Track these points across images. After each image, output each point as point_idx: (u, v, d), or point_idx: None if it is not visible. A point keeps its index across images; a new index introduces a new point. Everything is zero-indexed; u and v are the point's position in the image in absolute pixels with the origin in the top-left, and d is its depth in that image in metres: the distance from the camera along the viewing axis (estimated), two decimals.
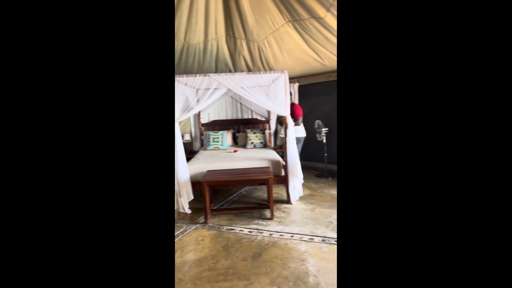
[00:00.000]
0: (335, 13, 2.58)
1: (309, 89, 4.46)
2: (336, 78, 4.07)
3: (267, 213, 2.75)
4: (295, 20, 2.95)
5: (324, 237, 2.23)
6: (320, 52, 3.36)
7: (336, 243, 2.12)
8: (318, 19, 2.76)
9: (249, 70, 4.07)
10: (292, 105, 3.64)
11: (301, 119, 3.62)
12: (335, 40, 3.02)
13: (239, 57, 3.83)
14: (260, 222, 2.58)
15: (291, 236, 2.26)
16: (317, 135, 3.98)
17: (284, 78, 2.87)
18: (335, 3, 2.45)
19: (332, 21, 2.72)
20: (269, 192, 2.62)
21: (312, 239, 2.20)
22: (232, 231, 2.42)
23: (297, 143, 3.62)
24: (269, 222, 2.57)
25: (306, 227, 2.41)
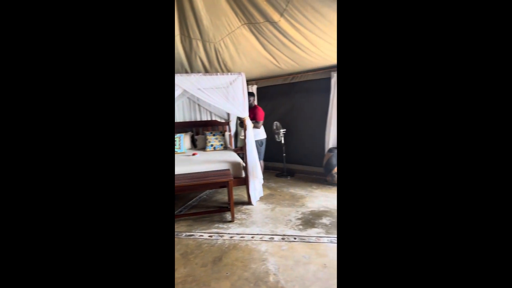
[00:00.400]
0: (288, 18, 2.68)
1: (267, 91, 4.56)
2: (292, 81, 4.23)
3: (228, 215, 2.72)
4: (250, 23, 2.99)
5: (284, 235, 2.28)
6: (276, 55, 3.45)
7: (294, 240, 2.20)
8: (273, 23, 2.84)
9: (206, 71, 4.00)
10: (255, 108, 3.66)
11: (261, 122, 3.65)
12: (290, 44, 3.13)
13: (195, 58, 3.74)
14: (221, 225, 2.54)
15: (252, 237, 2.27)
16: (276, 136, 4.08)
17: (241, 80, 2.89)
18: (288, 9, 2.55)
19: (286, 26, 2.82)
20: (230, 195, 2.60)
21: (272, 238, 2.24)
22: (192, 237, 2.34)
23: (260, 146, 3.67)
24: (230, 224, 2.54)
25: (267, 227, 2.44)
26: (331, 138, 3.75)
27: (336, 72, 3.66)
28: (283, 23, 2.78)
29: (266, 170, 4.31)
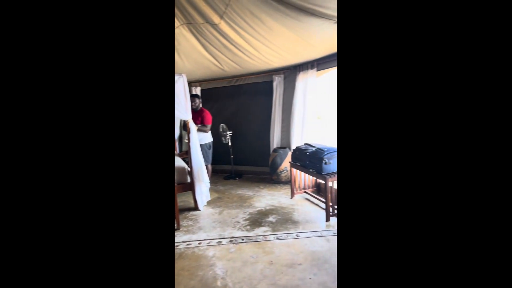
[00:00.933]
0: (229, 21, 2.69)
1: (212, 93, 4.50)
2: (236, 83, 4.27)
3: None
4: (190, 23, 2.91)
5: (232, 237, 2.28)
6: (219, 57, 3.43)
7: (242, 241, 2.21)
8: (213, 25, 2.82)
9: None
10: (202, 111, 3.56)
11: (210, 126, 3.58)
12: (232, 47, 3.15)
13: None
14: None
15: (199, 243, 2.21)
16: (223, 139, 4.06)
17: (182, 81, 2.79)
18: (228, 11, 2.56)
19: (227, 29, 2.83)
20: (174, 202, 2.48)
21: (220, 242, 2.22)
22: None
23: (208, 149, 3.59)
24: (176, 233, 2.42)
25: (214, 231, 2.41)
26: (275, 139, 3.91)
27: (277, 75, 3.84)
28: (223, 26, 2.79)
29: (214, 174, 4.25)
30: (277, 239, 2.21)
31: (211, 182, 3.24)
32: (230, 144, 4.06)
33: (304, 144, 3.12)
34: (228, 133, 4.00)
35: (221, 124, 4.08)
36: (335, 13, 2.12)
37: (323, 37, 2.69)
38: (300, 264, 1.85)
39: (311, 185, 3.29)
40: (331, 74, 3.59)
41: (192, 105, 3.26)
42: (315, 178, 3.27)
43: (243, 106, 4.32)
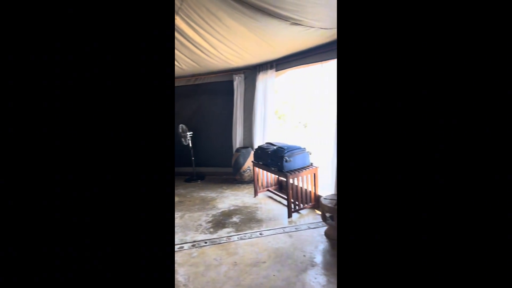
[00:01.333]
0: (185, 17, 2.60)
1: None
2: (196, 82, 4.15)
3: None
4: None
5: (194, 241, 2.20)
6: (176, 55, 3.30)
7: (205, 244, 2.15)
8: None
9: None
10: None
11: None
12: (189, 45, 3.05)
13: None
14: None
15: None
16: (182, 140, 3.91)
17: None
18: (183, 7, 2.47)
19: (183, 26, 2.73)
20: None
21: (182, 247, 2.12)
22: None
23: None
24: None
25: (175, 236, 2.30)
26: (238, 138, 3.89)
27: (237, 75, 3.83)
28: (179, 22, 2.68)
29: (175, 176, 4.08)
30: (241, 239, 2.20)
31: None
32: (191, 145, 3.93)
33: (266, 143, 3.16)
34: (189, 133, 3.87)
35: (181, 125, 3.93)
36: (291, 15, 2.18)
37: (281, 38, 2.75)
38: (264, 262, 1.86)
39: (273, 183, 3.35)
40: (289, 74, 3.70)
41: None
42: (277, 176, 3.34)
43: (204, 106, 4.22)
